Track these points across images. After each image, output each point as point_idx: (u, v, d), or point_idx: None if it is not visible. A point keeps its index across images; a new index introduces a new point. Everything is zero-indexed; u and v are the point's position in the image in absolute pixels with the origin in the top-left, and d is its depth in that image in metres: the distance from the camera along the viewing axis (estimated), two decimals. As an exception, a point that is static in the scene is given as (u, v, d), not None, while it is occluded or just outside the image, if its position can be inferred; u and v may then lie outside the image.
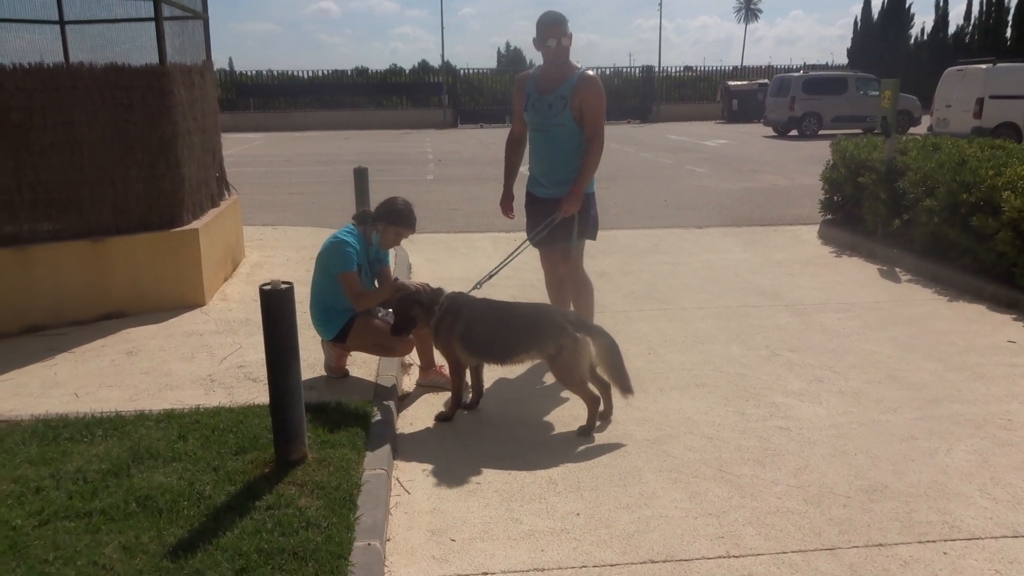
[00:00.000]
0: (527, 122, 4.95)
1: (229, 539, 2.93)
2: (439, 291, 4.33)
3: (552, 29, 4.63)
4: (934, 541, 3.12)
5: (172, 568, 2.77)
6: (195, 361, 4.97)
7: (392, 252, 5.07)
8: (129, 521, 3.07)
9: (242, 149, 23.84)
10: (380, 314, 4.67)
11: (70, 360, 5.01)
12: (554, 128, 4.77)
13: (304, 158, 21.33)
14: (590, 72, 4.74)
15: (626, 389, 4.15)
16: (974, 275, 6.67)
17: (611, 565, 3.00)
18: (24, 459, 3.58)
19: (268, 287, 3.31)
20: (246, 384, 4.58)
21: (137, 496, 3.23)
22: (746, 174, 15.82)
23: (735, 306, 6.40)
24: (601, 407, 4.24)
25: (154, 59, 5.93)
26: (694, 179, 15.24)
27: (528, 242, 5.03)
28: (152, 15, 5.91)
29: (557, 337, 4.08)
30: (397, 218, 4.57)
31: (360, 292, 4.45)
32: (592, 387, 4.21)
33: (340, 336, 4.56)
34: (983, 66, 18.14)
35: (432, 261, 8.19)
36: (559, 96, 4.70)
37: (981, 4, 36.86)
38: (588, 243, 5.12)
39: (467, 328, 4.22)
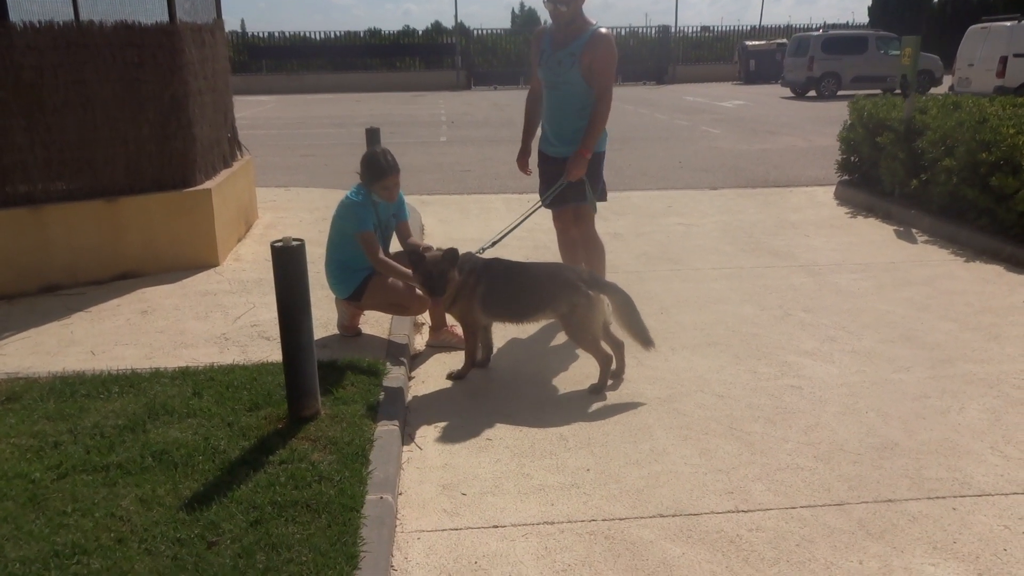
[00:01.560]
0: (540, 78, 4.90)
1: (243, 492, 2.98)
2: (454, 251, 4.31)
3: None
4: (943, 497, 3.13)
5: (188, 520, 2.82)
6: (209, 320, 5.01)
7: (412, 207, 5.01)
8: (145, 475, 3.12)
9: (255, 112, 23.77)
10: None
11: (86, 319, 5.06)
12: (564, 85, 4.71)
13: (316, 120, 21.24)
14: (603, 30, 4.66)
15: (647, 342, 4.15)
16: (992, 236, 6.59)
17: (620, 519, 3.03)
18: (42, 415, 3.63)
19: (280, 244, 3.32)
20: (259, 342, 4.62)
21: (153, 451, 3.28)
22: (762, 135, 15.63)
23: (749, 267, 6.36)
24: (613, 366, 4.25)
25: (164, 17, 5.89)
26: (709, 140, 15.08)
27: (540, 204, 5.00)
28: (162, -28, 5.85)
29: (570, 296, 4.08)
30: (374, 172, 4.45)
31: (380, 257, 4.43)
32: (605, 346, 4.21)
33: (355, 295, 4.57)
34: (1008, 23, 17.75)
35: (445, 222, 8.17)
36: (569, 53, 4.64)
37: (1007, -40, 35.93)
38: (601, 204, 5.09)
39: (488, 290, 4.21)
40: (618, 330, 4.30)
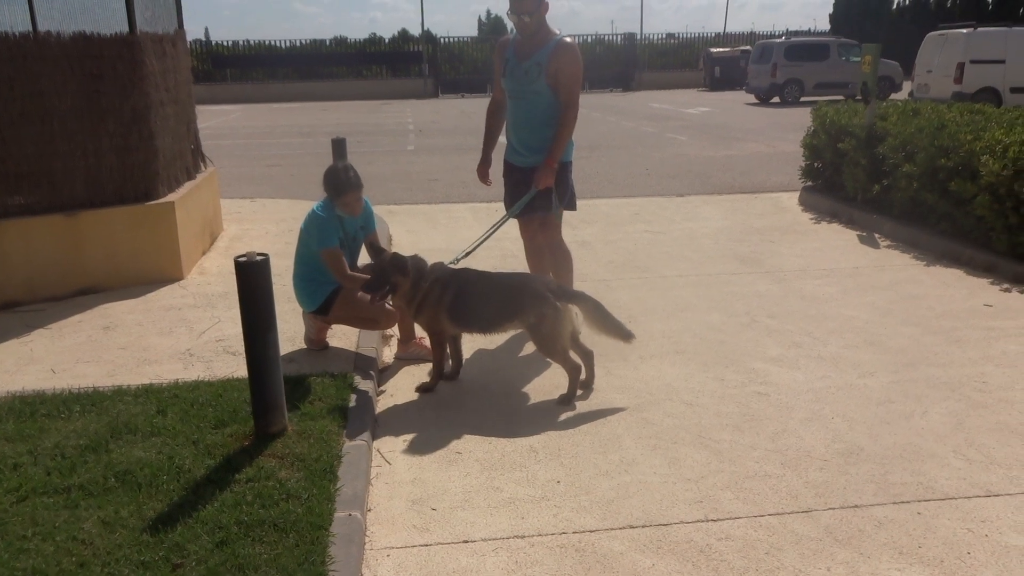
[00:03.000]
0: (504, 88, 4.90)
1: (209, 512, 2.93)
2: (420, 260, 4.31)
3: (523, 5, 4.54)
4: (908, 502, 3.17)
5: (152, 542, 2.77)
6: (173, 335, 4.93)
7: (380, 218, 4.99)
8: (108, 496, 3.06)
9: (220, 121, 23.53)
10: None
11: (46, 336, 4.95)
12: (530, 96, 4.72)
13: (282, 130, 21.08)
14: (567, 39, 4.68)
15: (627, 335, 4.17)
16: (952, 240, 6.72)
17: (591, 531, 3.03)
18: (1, 436, 3.54)
19: (244, 259, 3.28)
20: (225, 358, 4.55)
21: (116, 471, 3.22)
22: (728, 142, 15.80)
23: (715, 274, 6.42)
24: (583, 376, 4.26)
25: (124, 28, 5.80)
26: (676, 147, 15.21)
27: (508, 216, 5.00)
28: (121, -18, 5.77)
29: (538, 306, 4.08)
30: (336, 188, 4.43)
31: (345, 272, 4.40)
32: (574, 355, 4.22)
33: (322, 308, 4.52)
34: (964, 31, 18.15)
35: (412, 232, 8.14)
36: (535, 63, 4.65)
37: (963, -32, 36.82)
38: (569, 212, 5.11)
39: (455, 299, 4.20)
40: (588, 339, 4.31)
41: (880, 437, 3.70)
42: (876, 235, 7.52)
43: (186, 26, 7.35)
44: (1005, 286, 5.86)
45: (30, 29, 5.62)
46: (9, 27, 5.44)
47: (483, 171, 5.20)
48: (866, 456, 3.53)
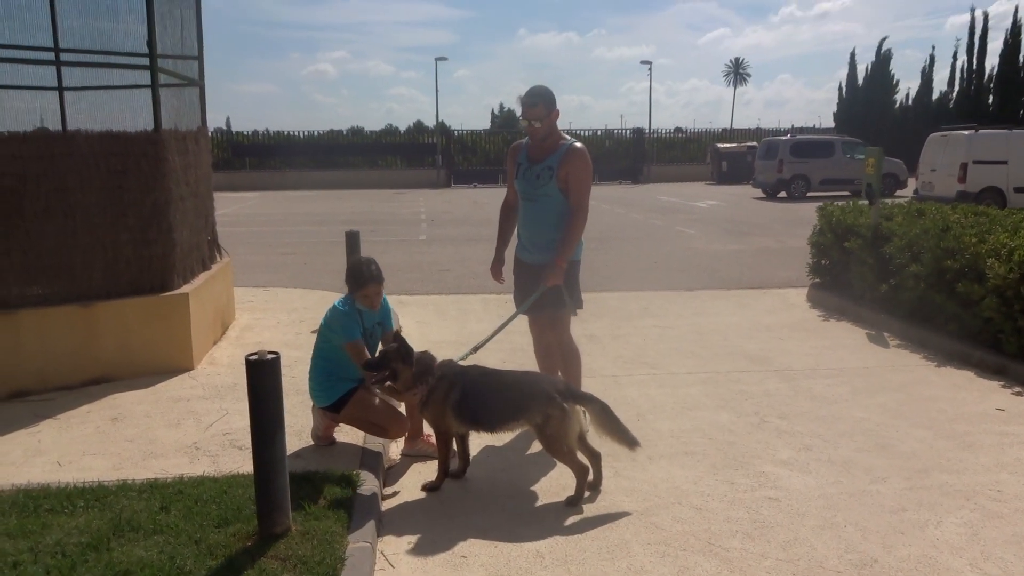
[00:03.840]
0: (517, 190, 5.03)
1: (208, 617, 2.87)
2: (429, 356, 4.34)
3: (533, 111, 4.74)
4: (925, 619, 3.08)
5: (149, 648, 2.71)
6: (181, 428, 4.93)
7: (394, 313, 5.06)
8: (107, 598, 3.01)
9: (236, 208, 24.01)
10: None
11: (54, 427, 4.96)
12: (541, 198, 4.84)
13: (298, 218, 21.48)
14: (578, 144, 4.83)
15: (632, 442, 4.14)
16: (961, 341, 6.71)
17: (598, 644, 2.94)
18: (3, 531, 3.52)
19: (255, 357, 3.31)
20: (231, 452, 4.54)
21: (116, 571, 3.18)
22: (736, 236, 15.98)
23: (724, 371, 6.41)
24: (590, 477, 4.21)
25: (150, 123, 6.01)
26: (684, 240, 15.38)
27: (518, 312, 5.05)
28: (149, 83, 6.01)
29: (545, 407, 4.07)
30: (357, 280, 4.55)
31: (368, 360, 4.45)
32: (581, 457, 4.18)
33: (335, 406, 4.54)
34: (966, 132, 18.52)
35: (422, 323, 8.19)
36: (546, 167, 4.79)
37: (963, 71, 37.84)
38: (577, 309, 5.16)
39: (462, 397, 4.21)
40: (595, 440, 4.29)
41: (894, 548, 3.62)
42: (885, 334, 7.52)
43: (208, 115, 7.61)
44: (1017, 389, 5.82)
45: (60, 127, 5.84)
46: (39, 124, 5.68)
47: (496, 270, 5.29)
48: (880, 568, 3.45)
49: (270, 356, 3.32)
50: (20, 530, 3.53)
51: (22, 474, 4.21)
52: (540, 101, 4.75)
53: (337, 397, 4.51)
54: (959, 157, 18.16)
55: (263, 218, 21.42)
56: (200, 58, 7.30)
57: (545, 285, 4.81)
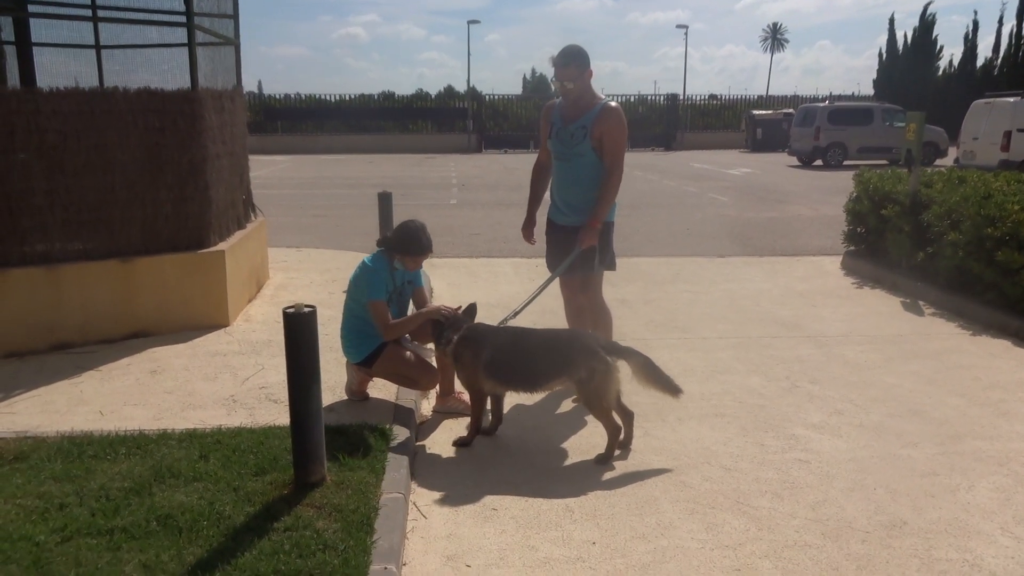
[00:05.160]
0: (551, 150, 5.01)
1: (247, 560, 2.96)
2: (463, 317, 4.39)
3: (566, 72, 4.70)
4: (954, 580, 3.09)
5: (191, 587, 2.81)
6: (218, 381, 5.04)
7: (424, 273, 5.10)
8: (149, 539, 3.11)
9: (269, 171, 24.17)
10: (410, 344, 4.71)
11: (96, 378, 5.09)
12: (575, 158, 4.82)
13: (329, 181, 21.58)
14: (612, 104, 4.79)
15: (675, 390, 4.18)
16: (999, 310, 6.60)
17: (626, 596, 2.99)
18: (49, 475, 3.64)
19: (292, 310, 3.36)
20: (267, 405, 4.63)
21: (158, 515, 3.28)
22: (769, 203, 15.79)
23: (756, 336, 6.38)
24: (621, 436, 4.24)
25: (186, 82, 6.06)
26: (717, 208, 15.24)
27: (553, 276, 5.04)
28: (185, 41, 6.05)
29: (589, 361, 4.08)
30: (410, 247, 4.56)
31: (387, 323, 4.49)
32: (615, 415, 4.20)
33: (367, 360, 4.60)
34: (1011, 99, 18.05)
35: (453, 286, 8.24)
36: (580, 126, 4.76)
37: (1010, 37, 36.70)
38: (609, 271, 5.15)
39: (493, 357, 4.24)
40: (628, 400, 4.30)
41: (924, 510, 3.61)
42: (920, 302, 7.43)
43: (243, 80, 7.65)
44: (1055, 359, 5.74)
45: (97, 84, 5.90)
46: (75, 81, 5.74)
47: (528, 231, 5.29)
48: (910, 530, 3.45)
49: (307, 309, 3.37)
50: (65, 474, 3.64)
51: (66, 422, 4.34)
52: (572, 62, 4.71)
53: (368, 352, 4.57)
54: (1003, 125, 17.73)
55: (295, 181, 21.56)
56: (236, 16, 7.32)
57: (580, 247, 4.81)
